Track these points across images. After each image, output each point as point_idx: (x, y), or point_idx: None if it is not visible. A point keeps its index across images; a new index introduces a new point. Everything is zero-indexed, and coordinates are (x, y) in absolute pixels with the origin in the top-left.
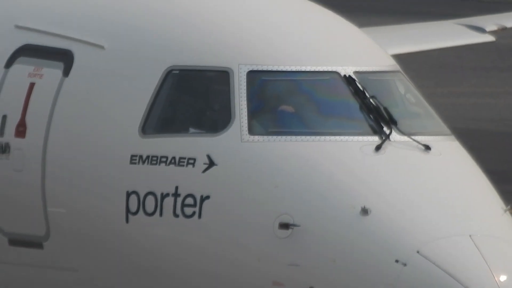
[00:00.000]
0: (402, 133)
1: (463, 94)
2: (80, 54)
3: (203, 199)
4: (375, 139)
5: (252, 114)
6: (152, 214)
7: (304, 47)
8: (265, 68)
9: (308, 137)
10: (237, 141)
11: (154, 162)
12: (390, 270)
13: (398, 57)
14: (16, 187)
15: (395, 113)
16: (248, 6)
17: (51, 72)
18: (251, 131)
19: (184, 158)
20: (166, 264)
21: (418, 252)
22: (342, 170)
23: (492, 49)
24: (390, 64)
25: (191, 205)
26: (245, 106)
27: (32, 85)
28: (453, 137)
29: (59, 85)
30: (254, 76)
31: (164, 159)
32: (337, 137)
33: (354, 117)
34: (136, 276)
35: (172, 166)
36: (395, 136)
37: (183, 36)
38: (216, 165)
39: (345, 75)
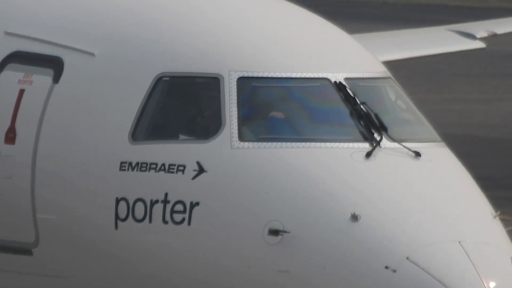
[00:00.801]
0: (393, 139)
1: (454, 100)
2: (70, 61)
3: (193, 205)
4: (366, 146)
5: (243, 120)
6: (142, 220)
7: (294, 53)
8: (255, 74)
9: (298, 144)
10: (227, 148)
11: (144, 169)
12: (380, 277)
13: (389, 64)
14: (5, 193)
15: (386, 120)
16: (238, 13)
17: (41, 79)
18: (241, 138)
19: (174, 165)
20: (156, 271)
21: (407, 258)
22: (332, 176)
23: (483, 56)
24: (381, 70)
25: (181, 211)
26: (236, 112)
27: (22, 92)
28: (443, 143)
29: (49, 91)
30: (244, 83)
31: (153, 166)
32: (328, 144)
33: (344, 123)
34: (125, 282)
35: (161, 172)
36: (385, 142)
37: (174, 42)
38: (206, 171)
39: (335, 82)
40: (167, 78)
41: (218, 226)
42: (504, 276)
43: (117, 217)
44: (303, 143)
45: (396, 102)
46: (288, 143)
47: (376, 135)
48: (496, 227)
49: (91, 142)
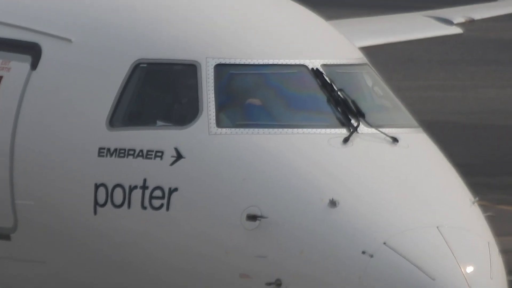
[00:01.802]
0: (370, 125)
1: (431, 87)
2: (47, 48)
3: (171, 191)
4: (343, 132)
5: (220, 107)
6: (120, 206)
7: (271, 40)
8: (232, 61)
9: (276, 130)
10: (204, 134)
11: (122, 154)
12: (357, 262)
13: (366, 50)
14: None
15: (363, 106)
16: (215, 0)
17: (19, 65)
18: (219, 124)
19: (152, 151)
20: (134, 256)
21: (385, 243)
22: (310, 162)
23: (460, 42)
24: (357, 57)
25: (159, 197)
26: (213, 99)
27: None
28: (421, 129)
29: (27, 78)
30: (221, 70)
31: (132, 152)
32: (305, 130)
33: (322, 109)
34: (104, 268)
35: (140, 158)
36: (362, 128)
37: (151, 29)
38: (183, 157)
39: (312, 68)
40: (145, 65)
41: (196, 211)
42: (482, 261)
43: (96, 202)
44: (280, 129)
45: (373, 88)
46: (266, 129)
47: (353, 121)
48: (475, 212)
49: (69, 129)
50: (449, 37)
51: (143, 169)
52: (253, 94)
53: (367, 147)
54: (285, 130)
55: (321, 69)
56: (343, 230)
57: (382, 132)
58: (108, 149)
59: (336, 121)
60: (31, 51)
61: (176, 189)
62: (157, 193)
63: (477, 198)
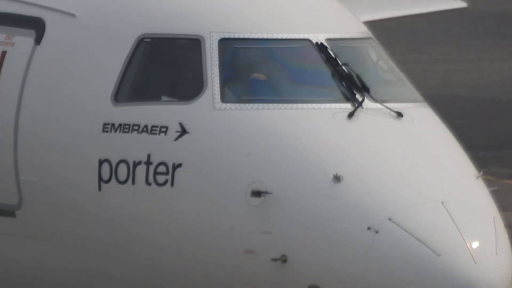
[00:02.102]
0: (375, 100)
1: (435, 61)
2: (51, 22)
3: (175, 167)
4: (348, 107)
5: (224, 82)
6: (125, 182)
7: (276, 14)
8: (236, 35)
9: (280, 105)
10: (209, 109)
11: (126, 130)
12: (362, 237)
13: (370, 24)
14: None
15: (368, 81)
16: None
17: (23, 40)
18: (223, 99)
19: (156, 126)
20: (138, 232)
21: (390, 219)
22: (314, 137)
23: (464, 16)
24: (362, 31)
25: (164, 173)
26: (217, 74)
27: (4, 54)
28: (425, 104)
29: (31, 53)
30: (225, 44)
31: (136, 127)
32: (309, 105)
33: (326, 84)
34: (108, 243)
35: (144, 134)
36: (367, 103)
37: (155, 4)
38: (188, 133)
39: (317, 43)
40: (149, 40)
41: (201, 187)
42: (487, 236)
43: (100, 178)
44: (285, 104)
45: (377, 63)
46: (270, 104)
47: (358, 95)
48: (479, 187)
49: (74, 104)
50: (454, 11)
51: (148, 145)
52: (258, 69)
53: (371, 122)
54: (290, 105)
55: (325, 43)
56: (348, 206)
57: (386, 107)
58: (113, 125)
59: (340, 96)
60: (35, 26)
61: (180, 165)
62: (162, 168)
63: (481, 173)
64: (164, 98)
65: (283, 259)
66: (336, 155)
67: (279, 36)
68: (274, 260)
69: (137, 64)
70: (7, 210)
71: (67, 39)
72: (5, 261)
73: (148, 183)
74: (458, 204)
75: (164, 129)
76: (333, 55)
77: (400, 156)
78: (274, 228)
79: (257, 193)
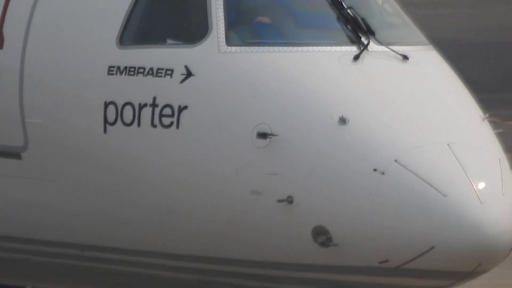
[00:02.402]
0: (380, 43)
1: (441, 3)
2: None
3: (181, 109)
4: (353, 49)
5: (229, 25)
6: (130, 124)
7: None
8: None
9: (285, 48)
10: (214, 52)
11: (132, 73)
12: (368, 179)
13: None
14: None
15: (373, 24)
16: None
17: None
18: (229, 42)
19: (162, 69)
20: (144, 174)
21: (396, 161)
22: (319, 80)
23: None
24: None
25: (169, 115)
26: (222, 17)
27: None
28: (431, 46)
29: None
30: None
31: (141, 70)
32: (315, 48)
33: (331, 27)
34: (114, 185)
35: (149, 77)
36: (373, 46)
37: None
38: (193, 75)
39: None
40: None
41: (206, 129)
42: (493, 178)
43: (105, 121)
44: (290, 47)
45: (383, 6)
46: (275, 47)
47: (363, 38)
48: (485, 129)
49: (79, 47)
50: None
51: (153, 87)
52: (263, 12)
53: (377, 65)
54: (295, 48)
55: None
56: (354, 148)
57: (392, 50)
58: (118, 67)
59: (346, 39)
60: None
61: (186, 107)
62: (167, 111)
63: (487, 115)
64: (169, 41)
65: (289, 201)
66: (341, 98)
67: None
68: (280, 201)
69: (142, 7)
70: (13, 152)
71: None
72: (10, 202)
73: (153, 125)
74: (464, 146)
75: (169, 72)
76: None
77: (406, 98)
78: (280, 170)
79: (262, 135)
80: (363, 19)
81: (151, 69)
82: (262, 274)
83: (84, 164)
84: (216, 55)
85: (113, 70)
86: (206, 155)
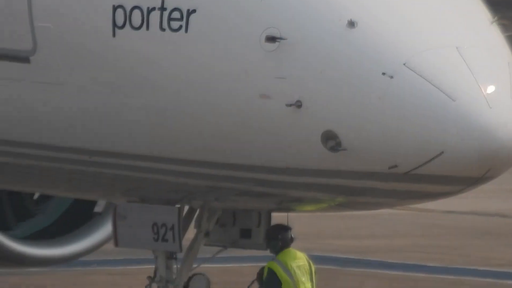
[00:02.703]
0: None
1: None
2: None
3: (190, 12)
4: None
5: None
6: (139, 28)
7: None
8: None
9: None
10: None
11: None
12: (377, 83)
13: None
14: (2, 1)
15: None
16: None
17: None
18: None
19: None
20: (153, 77)
21: (404, 64)
22: None
23: None
24: None
25: (178, 19)
26: None
27: None
28: None
29: None
30: None
31: None
32: None
33: None
34: (122, 88)
35: None
36: None
37: None
38: None
39: None
40: None
41: (215, 33)
42: (502, 81)
43: (114, 24)
44: None
45: None
46: None
47: None
48: (494, 32)
49: None
50: None
51: None
52: None
53: None
54: None
55: None
56: (363, 51)
57: None
58: None
59: None
60: None
61: (194, 11)
62: (176, 14)
63: (496, 18)
64: None
65: (298, 105)
66: (350, 1)
67: None
68: (289, 105)
69: None
70: (22, 56)
71: None
72: (20, 106)
73: (162, 28)
74: (472, 49)
75: None
76: None
77: (414, 2)
78: (289, 73)
79: (271, 39)
80: None
81: None
82: (271, 180)
83: (93, 68)
84: None
85: None
86: (215, 58)
